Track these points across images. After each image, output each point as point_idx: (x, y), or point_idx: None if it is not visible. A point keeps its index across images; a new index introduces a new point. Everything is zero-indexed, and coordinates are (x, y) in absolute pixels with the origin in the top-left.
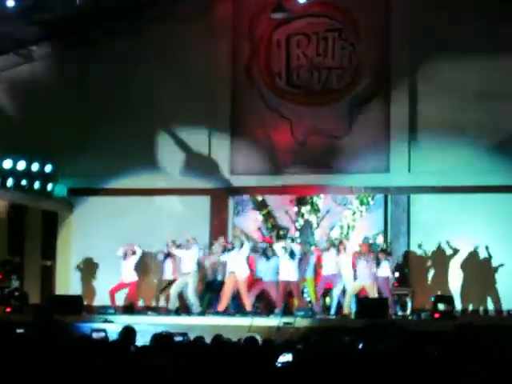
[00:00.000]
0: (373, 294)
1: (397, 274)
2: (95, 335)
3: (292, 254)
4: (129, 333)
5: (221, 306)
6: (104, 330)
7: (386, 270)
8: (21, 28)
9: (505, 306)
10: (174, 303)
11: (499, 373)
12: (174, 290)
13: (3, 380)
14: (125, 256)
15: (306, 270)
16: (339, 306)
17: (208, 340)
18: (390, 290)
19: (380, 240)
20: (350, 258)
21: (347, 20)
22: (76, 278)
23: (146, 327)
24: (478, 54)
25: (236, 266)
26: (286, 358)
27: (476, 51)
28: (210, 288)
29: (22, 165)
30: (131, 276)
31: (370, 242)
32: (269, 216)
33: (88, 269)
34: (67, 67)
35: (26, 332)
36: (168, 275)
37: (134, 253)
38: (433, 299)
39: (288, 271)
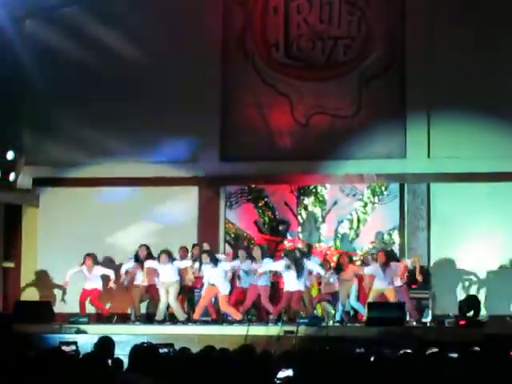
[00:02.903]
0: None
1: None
2: (64, 349)
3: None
4: (106, 344)
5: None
6: (75, 343)
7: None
8: None
9: None
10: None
11: None
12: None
13: None
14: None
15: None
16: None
17: (195, 351)
18: (408, 295)
19: (395, 236)
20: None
21: None
22: (44, 281)
23: (125, 338)
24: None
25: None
26: (286, 373)
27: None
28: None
29: None
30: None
31: (385, 237)
32: (266, 208)
33: (57, 271)
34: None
35: None
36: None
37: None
38: (457, 304)
39: (291, 282)
